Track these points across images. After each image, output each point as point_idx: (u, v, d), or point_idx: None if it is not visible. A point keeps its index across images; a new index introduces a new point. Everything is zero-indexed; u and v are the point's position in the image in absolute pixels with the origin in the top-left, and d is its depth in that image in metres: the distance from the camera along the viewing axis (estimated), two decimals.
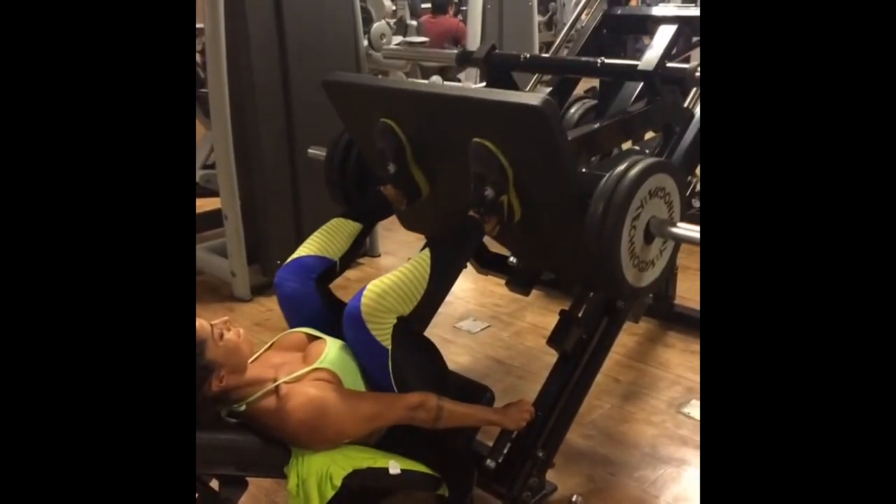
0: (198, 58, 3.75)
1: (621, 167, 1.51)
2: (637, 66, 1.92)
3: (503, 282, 2.18)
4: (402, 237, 3.76)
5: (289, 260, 1.76)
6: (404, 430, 1.60)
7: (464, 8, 5.51)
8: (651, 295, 2.69)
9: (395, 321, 1.53)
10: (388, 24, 4.24)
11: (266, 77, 3.00)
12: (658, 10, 2.29)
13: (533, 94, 1.65)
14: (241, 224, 3.07)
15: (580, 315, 1.85)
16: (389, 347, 1.53)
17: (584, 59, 2.23)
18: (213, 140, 3.15)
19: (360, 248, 1.86)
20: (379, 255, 3.63)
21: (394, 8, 4.74)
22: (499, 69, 2.19)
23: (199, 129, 4.12)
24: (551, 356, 1.93)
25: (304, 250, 1.76)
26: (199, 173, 3.58)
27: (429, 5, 6.06)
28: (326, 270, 1.76)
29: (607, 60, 1.98)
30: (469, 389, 1.80)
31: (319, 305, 1.72)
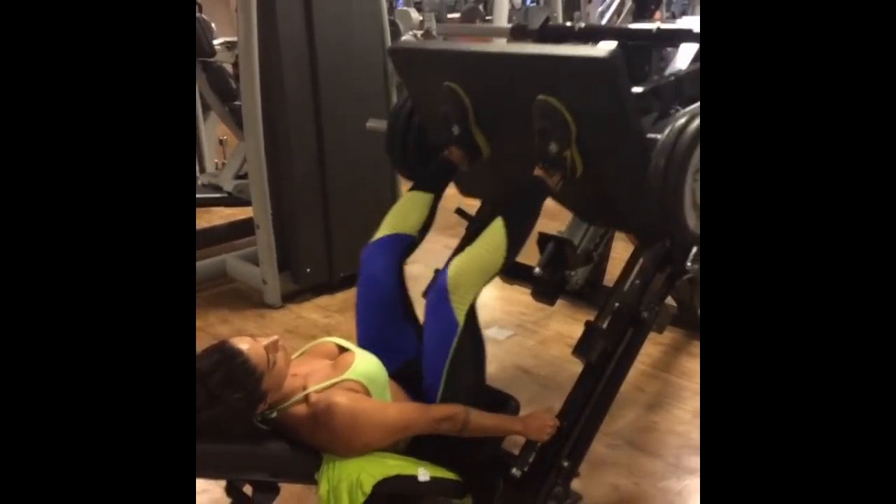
0: (231, 69, 3.85)
1: (681, 120, 1.54)
2: (692, 29, 1.96)
3: (528, 290, 2.20)
4: (428, 246, 3.76)
5: (373, 239, 1.85)
6: (432, 437, 1.64)
7: (489, 18, 5.52)
8: (675, 304, 2.70)
9: (473, 299, 1.62)
10: (415, 35, 4.30)
11: (297, 89, 3.07)
12: (682, 24, 2.31)
13: (598, 48, 1.69)
14: (272, 233, 3.13)
15: (605, 326, 1.87)
16: (461, 325, 1.60)
17: (638, 26, 2.27)
18: (245, 151, 3.22)
19: (434, 217, 1.94)
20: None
21: (420, 19, 4.78)
22: (553, 40, 2.24)
23: (232, 139, 4.22)
24: (576, 365, 1.94)
25: (385, 229, 1.85)
26: (232, 183, 3.67)
27: (456, 15, 6.10)
28: (406, 247, 1.86)
29: (663, 26, 2.02)
30: (494, 398, 1.82)
31: (393, 287, 1.82)
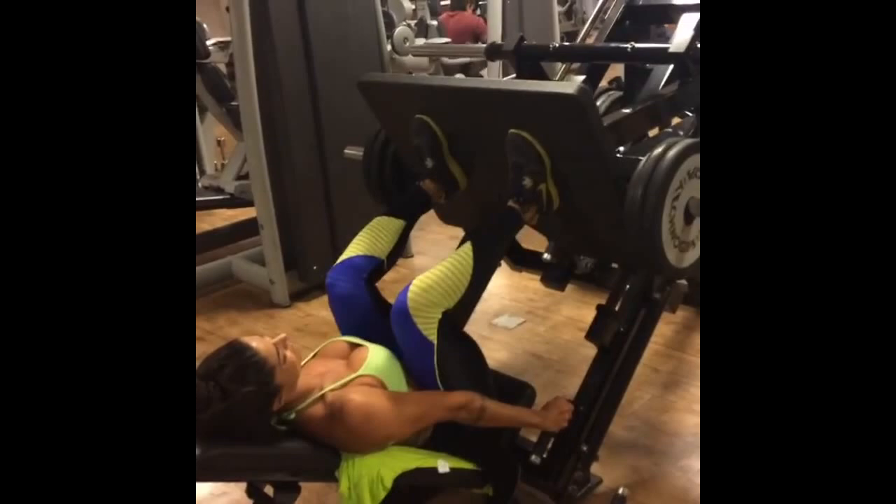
0: (225, 69, 3.83)
1: (659, 149, 1.52)
2: (668, 48, 1.93)
3: (537, 276, 2.19)
4: (433, 237, 3.80)
5: (339, 260, 1.81)
6: (450, 430, 1.64)
7: (482, 2, 5.50)
8: (687, 283, 2.70)
9: (440, 316, 1.57)
10: (409, 25, 4.27)
11: (294, 87, 3.05)
12: None
13: (567, 83, 1.67)
14: (276, 232, 3.13)
15: (617, 309, 1.86)
16: (435, 342, 1.57)
17: (613, 45, 2.23)
18: (245, 150, 3.21)
19: (405, 245, 1.90)
20: (412, 256, 3.67)
21: (413, 8, 4.76)
22: (528, 60, 2.21)
23: (231, 140, 4.21)
24: (589, 349, 1.94)
25: (352, 250, 1.80)
26: (233, 184, 3.66)
27: (447, 2, 6.07)
28: (375, 269, 1.80)
29: (637, 45, 1.99)
30: (509, 387, 1.82)
31: (368, 305, 1.77)
